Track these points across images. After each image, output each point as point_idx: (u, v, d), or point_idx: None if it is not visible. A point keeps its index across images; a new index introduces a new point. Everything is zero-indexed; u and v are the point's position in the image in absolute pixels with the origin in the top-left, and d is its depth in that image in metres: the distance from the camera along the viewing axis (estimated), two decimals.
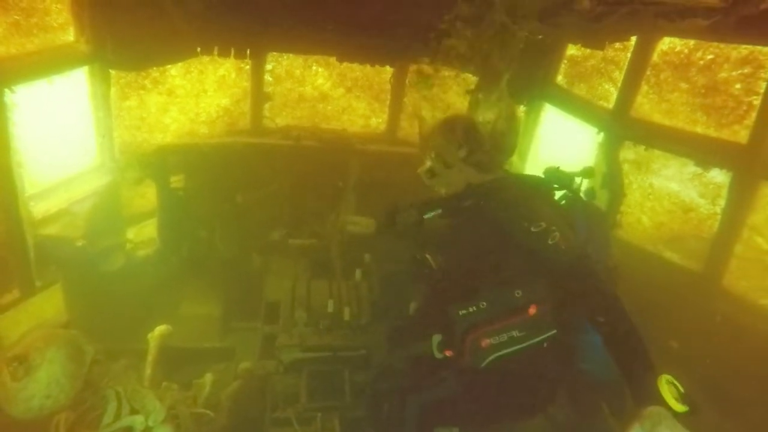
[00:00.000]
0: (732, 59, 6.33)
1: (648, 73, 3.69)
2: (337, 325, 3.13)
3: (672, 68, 6.73)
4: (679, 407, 1.50)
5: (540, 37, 3.23)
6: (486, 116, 4.04)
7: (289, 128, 4.48)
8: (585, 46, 3.73)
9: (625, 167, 3.49)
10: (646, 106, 6.64)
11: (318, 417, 2.73)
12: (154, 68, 5.81)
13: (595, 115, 3.76)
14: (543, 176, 2.23)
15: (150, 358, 2.65)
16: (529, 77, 4.01)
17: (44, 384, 1.68)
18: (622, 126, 3.49)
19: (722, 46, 6.15)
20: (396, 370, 2.41)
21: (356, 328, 3.14)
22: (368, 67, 4.17)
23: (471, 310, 1.99)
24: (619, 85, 3.70)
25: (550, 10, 2.49)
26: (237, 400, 2.76)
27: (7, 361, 1.67)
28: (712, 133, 6.01)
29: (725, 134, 5.98)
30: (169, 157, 3.86)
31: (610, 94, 6.69)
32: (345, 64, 4.11)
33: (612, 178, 3.36)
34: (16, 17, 5.42)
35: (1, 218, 2.80)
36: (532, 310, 1.93)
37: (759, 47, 5.42)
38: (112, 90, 3.51)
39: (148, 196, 4.18)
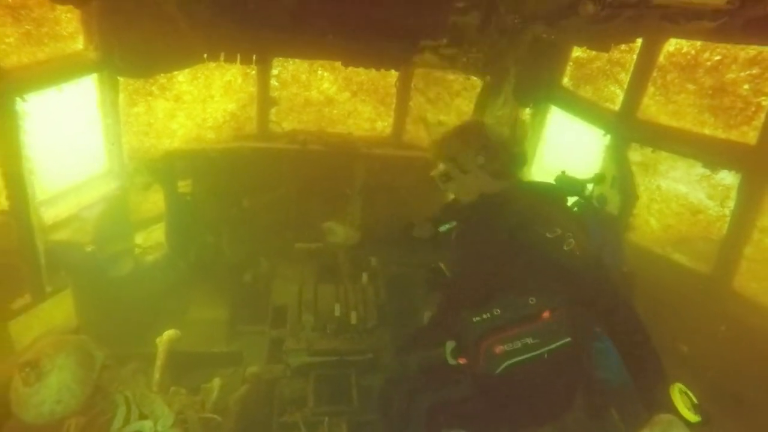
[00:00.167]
0: (740, 60, 6.28)
1: (654, 74, 3.67)
2: (344, 329, 3.14)
3: (679, 69, 6.69)
4: (692, 417, 1.49)
5: (545, 36, 3.22)
6: (491, 120, 4.05)
7: (296, 132, 4.50)
8: (590, 48, 3.71)
9: (633, 169, 3.46)
10: (653, 107, 6.60)
11: (325, 421, 2.73)
12: (162, 75, 5.84)
13: (602, 117, 3.74)
14: (554, 183, 2.21)
15: (158, 362, 2.67)
16: (535, 79, 4.01)
17: (55, 389, 1.70)
18: (628, 128, 3.47)
19: (730, 47, 6.10)
20: (407, 375, 2.41)
21: (363, 332, 3.15)
22: (373, 71, 4.18)
23: (485, 317, 1.98)
24: (625, 86, 3.68)
25: (555, 13, 2.49)
26: (245, 405, 2.77)
27: (19, 367, 1.69)
28: (720, 134, 5.96)
29: (734, 135, 5.93)
30: (177, 162, 3.89)
31: (616, 96, 6.66)
32: (350, 68, 4.12)
33: (623, 180, 3.33)
34: (27, 27, 5.51)
35: (12, 225, 2.83)
36: (546, 315, 1.92)
37: (767, 48, 5.37)
38: (121, 96, 3.55)
39: (155, 201, 4.21)
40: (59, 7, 4.85)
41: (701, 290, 3.12)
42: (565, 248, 1.82)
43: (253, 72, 4.42)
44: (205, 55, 3.61)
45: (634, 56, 3.54)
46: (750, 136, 5.02)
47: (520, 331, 1.92)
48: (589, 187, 2.21)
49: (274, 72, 6.76)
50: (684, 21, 1.94)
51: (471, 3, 3.09)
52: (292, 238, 3.94)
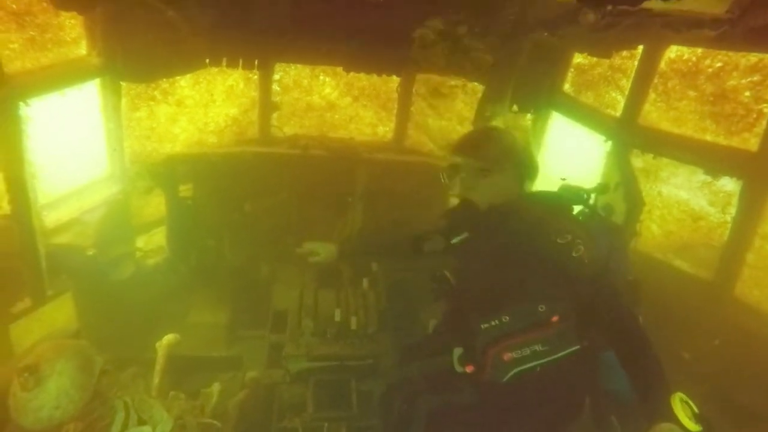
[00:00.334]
0: (741, 67, 6.29)
1: (656, 81, 3.68)
2: (344, 335, 3.13)
3: (680, 76, 6.70)
4: (693, 426, 1.48)
5: (546, 44, 3.24)
6: (503, 125, 4.05)
7: (297, 137, 4.51)
8: (592, 54, 3.73)
9: (637, 175, 3.45)
10: (654, 114, 6.61)
11: (325, 427, 2.72)
12: (164, 79, 5.89)
13: (603, 123, 3.75)
14: (559, 192, 2.20)
15: (158, 367, 2.66)
16: (537, 85, 4.02)
17: (54, 395, 1.69)
18: (630, 134, 3.47)
19: (731, 54, 6.12)
20: (409, 379, 2.39)
21: (363, 338, 3.14)
22: (375, 76, 4.20)
23: (493, 323, 1.96)
24: (626, 93, 3.69)
25: (556, 21, 2.50)
26: (244, 410, 2.76)
27: (18, 371, 1.69)
28: (721, 141, 5.96)
29: (735, 142, 5.93)
30: (178, 166, 3.90)
31: (617, 102, 6.68)
32: (352, 73, 4.13)
33: (627, 187, 3.32)
34: (31, 33, 5.56)
35: (14, 229, 2.84)
36: (555, 319, 1.91)
37: None
38: (123, 101, 3.57)
39: (157, 205, 4.22)
40: (63, 13, 4.87)
41: (703, 297, 3.12)
42: (574, 254, 1.82)
43: (255, 77, 4.45)
44: (207, 61, 3.63)
45: (636, 62, 3.55)
46: (751, 142, 5.03)
47: (530, 337, 1.90)
48: (593, 196, 2.20)
49: (276, 77, 6.79)
50: (685, 29, 1.95)
51: (472, 10, 3.11)
52: (293, 242, 3.94)
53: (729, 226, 3.16)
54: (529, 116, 4.58)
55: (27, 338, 3.11)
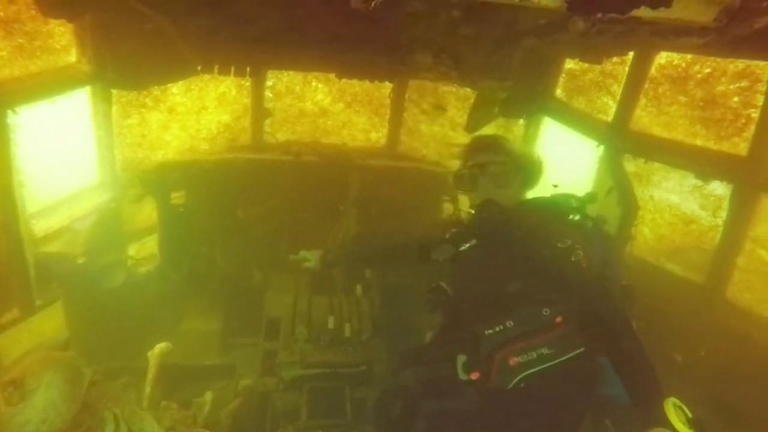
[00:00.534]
0: (729, 73, 6.38)
1: (646, 86, 3.71)
2: (338, 342, 3.11)
3: (670, 82, 6.78)
4: (687, 431, 1.48)
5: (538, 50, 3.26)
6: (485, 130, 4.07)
7: (290, 143, 4.51)
8: (583, 60, 3.75)
9: (630, 180, 3.47)
10: (645, 119, 6.67)
11: None
12: (155, 87, 5.87)
13: (595, 128, 3.77)
14: (555, 199, 2.23)
15: (150, 376, 2.64)
16: (529, 91, 4.04)
17: (40, 409, 1.66)
18: (621, 139, 3.49)
19: (719, 60, 6.20)
20: (405, 386, 2.37)
21: (357, 344, 3.12)
22: (367, 82, 4.21)
23: (497, 329, 1.94)
24: (617, 98, 3.72)
25: (546, 28, 2.52)
26: (237, 419, 2.74)
27: (2, 385, 1.65)
28: (711, 145, 6.02)
29: (725, 147, 5.99)
30: (170, 173, 3.87)
31: (608, 107, 6.73)
32: (344, 80, 4.14)
33: (622, 191, 3.34)
34: (20, 40, 5.52)
35: (1, 237, 2.80)
36: (559, 320, 1.90)
37: (755, 62, 5.46)
38: (114, 108, 3.55)
39: (149, 212, 4.19)
40: (52, 21, 4.85)
41: (695, 300, 3.13)
42: (573, 259, 1.85)
43: (248, 83, 4.43)
44: (199, 68, 3.62)
45: (626, 68, 3.58)
46: (741, 147, 5.08)
47: (535, 341, 1.89)
48: (583, 203, 2.22)
49: (269, 83, 6.80)
50: (673, 37, 1.98)
51: (464, 16, 3.12)
52: (286, 249, 3.92)
53: (720, 229, 3.18)
54: (521, 122, 4.60)
55: (15, 349, 3.06)
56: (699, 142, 6.14)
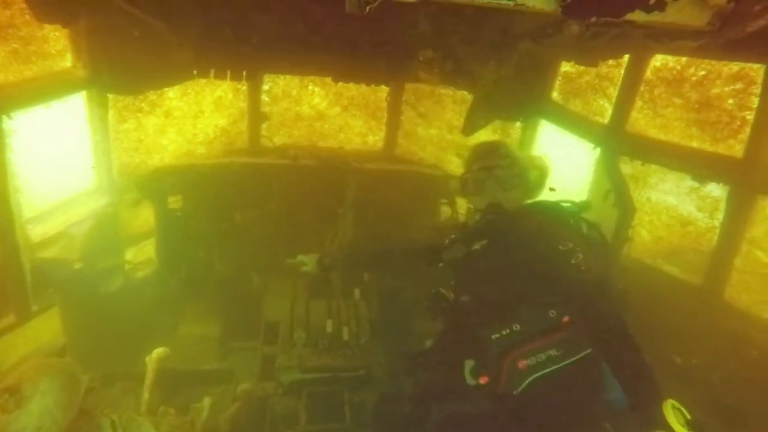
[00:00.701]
0: (724, 75, 6.42)
1: (642, 88, 3.73)
2: (337, 345, 3.11)
3: (665, 84, 6.81)
4: None
5: (534, 53, 3.27)
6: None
7: (287, 147, 4.50)
8: (579, 63, 3.77)
9: (627, 182, 3.48)
10: (641, 121, 6.70)
11: None
12: (151, 91, 5.86)
13: (591, 130, 3.79)
14: (557, 203, 2.25)
15: (148, 381, 2.62)
16: (525, 94, 4.05)
17: (36, 416, 1.65)
18: (618, 141, 3.50)
19: (714, 62, 6.23)
20: (403, 393, 2.36)
21: (355, 348, 3.12)
22: (364, 86, 4.21)
23: (504, 333, 1.94)
24: (613, 100, 3.73)
25: (541, 31, 2.53)
26: (235, 424, 2.72)
27: None
28: (707, 147, 6.04)
29: (720, 148, 6.02)
30: (167, 178, 3.87)
31: (605, 109, 6.76)
32: (341, 83, 4.14)
33: (618, 193, 3.35)
34: (14, 46, 5.51)
35: None
36: (566, 320, 1.90)
37: (749, 64, 5.49)
38: (110, 113, 3.54)
39: (146, 217, 4.18)
40: (47, 26, 4.84)
41: (693, 301, 3.14)
42: (573, 261, 1.86)
43: (244, 87, 4.43)
44: (195, 72, 3.62)
45: (622, 71, 3.60)
46: (736, 149, 5.10)
47: (544, 343, 1.89)
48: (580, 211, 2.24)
49: (265, 87, 6.76)
50: (668, 40, 1.99)
51: (460, 19, 3.13)
52: (284, 253, 3.92)
53: (717, 231, 3.19)
54: (518, 124, 4.61)
55: (11, 355, 3.04)
56: (695, 144, 6.17)
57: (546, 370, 1.86)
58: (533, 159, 2.43)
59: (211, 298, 4.02)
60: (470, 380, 2.04)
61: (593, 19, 1.65)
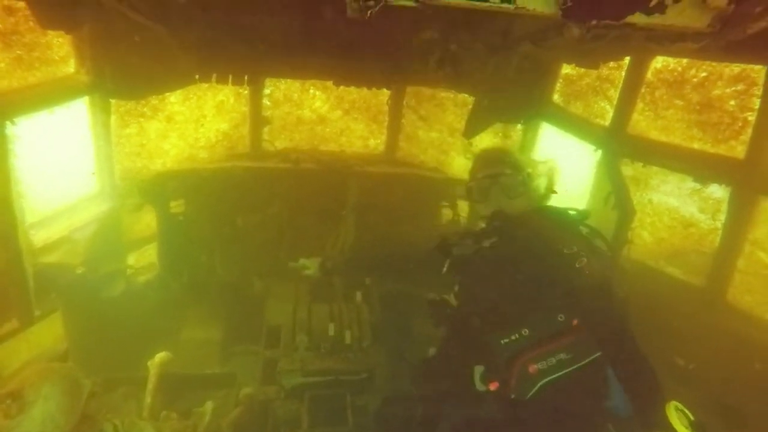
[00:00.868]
0: (725, 77, 6.42)
1: (643, 90, 3.73)
2: (339, 349, 3.10)
3: (666, 86, 6.81)
4: None
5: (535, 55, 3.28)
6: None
7: (288, 151, 4.51)
8: (579, 65, 3.77)
9: (627, 184, 3.48)
10: (643, 123, 6.70)
11: None
12: (153, 96, 5.89)
13: (592, 132, 3.79)
14: (564, 209, 2.26)
15: (150, 386, 2.62)
16: (526, 96, 4.06)
17: (38, 421, 1.65)
18: (619, 143, 3.50)
19: (715, 64, 6.23)
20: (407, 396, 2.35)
21: (358, 351, 3.11)
22: (365, 89, 4.22)
23: (513, 338, 1.92)
24: (614, 102, 3.73)
25: (541, 34, 2.54)
26: (238, 428, 2.72)
27: (1, 398, 1.64)
28: (709, 149, 6.04)
29: (722, 150, 6.02)
30: (169, 182, 3.87)
31: (606, 111, 6.76)
32: (342, 87, 4.15)
33: (619, 195, 3.35)
34: (18, 52, 5.55)
35: (0, 249, 2.79)
36: (575, 323, 1.90)
37: (750, 65, 5.49)
38: (112, 118, 3.55)
39: (148, 221, 4.19)
40: (51, 32, 4.87)
41: (696, 303, 3.13)
42: (576, 265, 1.87)
43: (246, 92, 4.45)
44: (197, 76, 3.63)
45: (623, 73, 3.60)
46: (738, 150, 5.10)
47: (554, 346, 1.87)
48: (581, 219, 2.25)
49: (267, 91, 6.81)
50: (668, 43, 1.99)
51: (461, 23, 3.14)
52: (286, 257, 3.92)
53: (719, 232, 3.19)
54: (519, 127, 4.61)
55: (14, 360, 3.05)
56: (696, 146, 6.17)
57: (556, 375, 1.85)
58: (539, 165, 2.41)
59: (213, 302, 4.02)
60: (480, 386, 2.02)
61: (593, 22, 1.65)
